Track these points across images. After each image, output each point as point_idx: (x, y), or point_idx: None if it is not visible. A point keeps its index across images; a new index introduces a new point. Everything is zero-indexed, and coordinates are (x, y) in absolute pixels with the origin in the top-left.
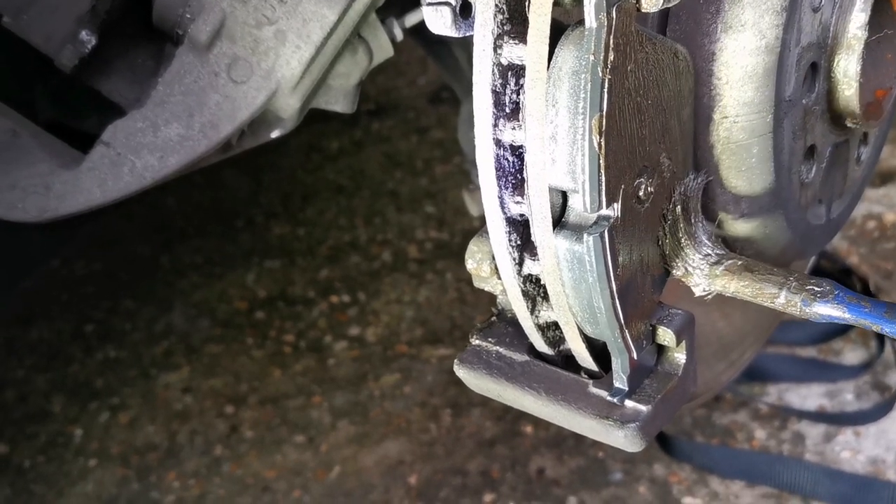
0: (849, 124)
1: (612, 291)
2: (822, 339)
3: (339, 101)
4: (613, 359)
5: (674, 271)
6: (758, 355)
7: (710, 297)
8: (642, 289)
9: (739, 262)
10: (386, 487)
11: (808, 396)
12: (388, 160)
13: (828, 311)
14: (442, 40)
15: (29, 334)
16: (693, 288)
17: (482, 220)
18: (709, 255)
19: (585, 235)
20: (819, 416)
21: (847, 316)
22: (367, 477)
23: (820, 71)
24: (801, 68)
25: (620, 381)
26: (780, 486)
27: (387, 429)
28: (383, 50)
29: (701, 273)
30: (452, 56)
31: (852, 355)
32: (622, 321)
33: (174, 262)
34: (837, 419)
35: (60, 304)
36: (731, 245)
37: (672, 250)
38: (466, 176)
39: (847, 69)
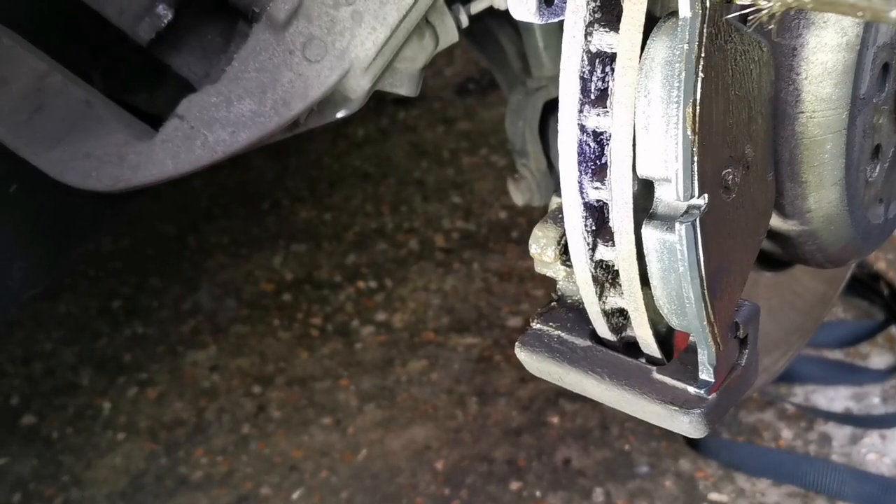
0: None
1: (702, 281)
2: (850, 343)
3: (403, 84)
4: (700, 350)
5: None
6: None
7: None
8: (727, 279)
9: None
10: (413, 472)
11: (835, 398)
12: (415, 149)
13: None
14: (488, 32)
15: (56, 308)
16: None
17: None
18: None
19: (677, 224)
20: (845, 418)
21: None
22: (394, 461)
23: (891, 71)
24: (875, 67)
25: (707, 373)
26: (806, 486)
27: (413, 414)
28: (449, 35)
29: None
30: (500, 48)
31: (879, 359)
32: (711, 312)
33: (200, 242)
34: (864, 422)
35: (88, 279)
36: (793, 240)
37: None
38: (493, 168)
39: None
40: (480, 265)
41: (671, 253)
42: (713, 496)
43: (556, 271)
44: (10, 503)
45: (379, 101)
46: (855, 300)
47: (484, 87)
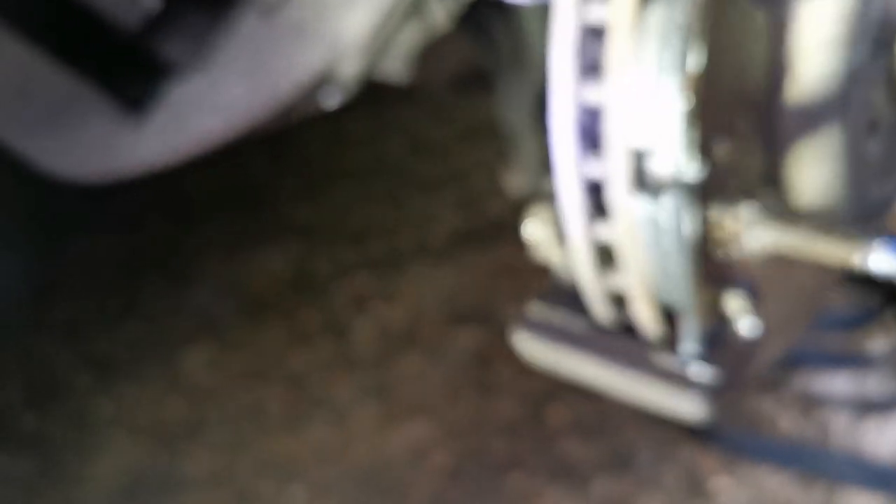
0: None
1: (691, 255)
2: (849, 327)
3: (395, 70)
4: (686, 324)
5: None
6: None
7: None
8: (716, 254)
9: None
10: (412, 466)
11: (834, 383)
12: (412, 145)
13: None
14: (480, 19)
15: (54, 308)
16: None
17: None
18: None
19: (666, 196)
20: (844, 403)
21: None
22: (393, 456)
23: (883, 45)
24: (869, 40)
25: (692, 347)
26: (806, 470)
27: (412, 409)
28: (442, 23)
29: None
30: (491, 34)
31: (878, 343)
32: (699, 286)
33: (197, 241)
34: (863, 406)
35: (85, 279)
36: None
37: None
38: (490, 163)
39: None
40: (479, 260)
41: (659, 225)
42: (714, 483)
43: (551, 255)
44: (12, 503)
45: (375, 97)
46: (852, 285)
47: (482, 82)
